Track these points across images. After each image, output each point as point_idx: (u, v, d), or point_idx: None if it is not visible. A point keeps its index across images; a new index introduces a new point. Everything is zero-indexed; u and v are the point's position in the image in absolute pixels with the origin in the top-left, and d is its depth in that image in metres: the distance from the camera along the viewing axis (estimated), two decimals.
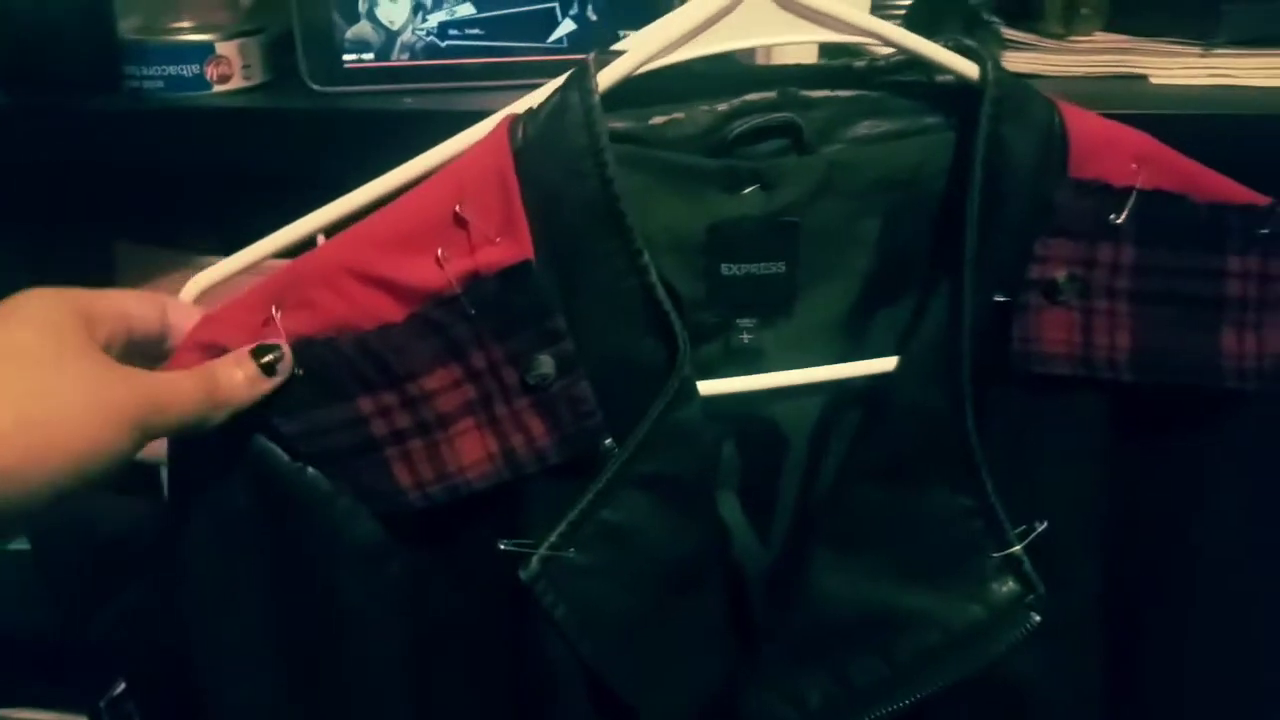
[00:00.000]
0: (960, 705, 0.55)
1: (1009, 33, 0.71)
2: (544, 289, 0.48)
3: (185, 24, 0.70)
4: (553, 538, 0.50)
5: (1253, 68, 0.68)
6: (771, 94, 0.53)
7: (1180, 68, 0.69)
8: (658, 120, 0.52)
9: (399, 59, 0.68)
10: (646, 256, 0.49)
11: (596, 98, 0.48)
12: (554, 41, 0.69)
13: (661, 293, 0.49)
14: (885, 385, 0.54)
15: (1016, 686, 0.56)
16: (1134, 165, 0.51)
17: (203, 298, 0.53)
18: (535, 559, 0.50)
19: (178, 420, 0.45)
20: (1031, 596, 0.53)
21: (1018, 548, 0.52)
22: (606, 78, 0.49)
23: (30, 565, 0.91)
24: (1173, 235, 0.52)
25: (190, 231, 0.83)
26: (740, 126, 0.52)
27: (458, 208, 0.47)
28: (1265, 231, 0.52)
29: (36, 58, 0.65)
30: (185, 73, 0.68)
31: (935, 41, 0.52)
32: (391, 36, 0.68)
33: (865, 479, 0.54)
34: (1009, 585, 0.53)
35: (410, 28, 0.68)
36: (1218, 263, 0.52)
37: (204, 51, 0.68)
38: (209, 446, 0.49)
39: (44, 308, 0.44)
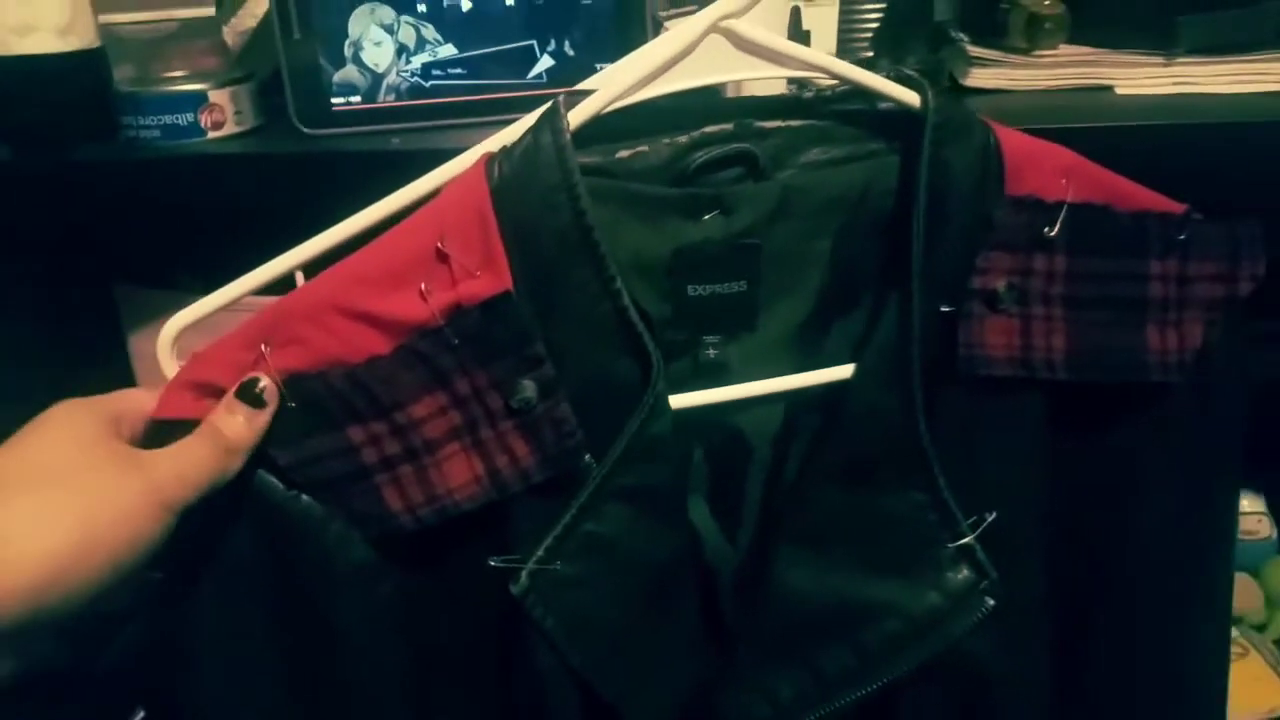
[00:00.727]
0: (924, 687, 0.61)
1: (974, 50, 0.76)
2: (524, 317, 0.52)
3: (177, 73, 0.75)
4: (540, 552, 0.54)
5: (1214, 74, 0.73)
6: (728, 126, 0.58)
7: (1144, 77, 0.74)
8: (624, 154, 0.57)
9: (385, 100, 0.74)
10: (619, 282, 0.53)
11: (567, 136, 0.52)
12: (534, 77, 0.74)
13: (634, 315, 0.54)
14: (842, 391, 0.59)
15: (975, 668, 0.61)
16: (1063, 180, 0.57)
17: (182, 336, 0.57)
18: (524, 573, 0.54)
19: (197, 484, 0.50)
20: (985, 582, 0.58)
21: (970, 538, 0.58)
22: (576, 117, 0.54)
23: None
24: (1100, 244, 0.58)
25: (189, 273, 0.87)
26: (701, 157, 0.58)
27: (439, 244, 0.52)
28: (1182, 237, 0.58)
29: (37, 112, 0.70)
30: (180, 121, 0.73)
31: (878, 73, 0.58)
32: (377, 79, 0.73)
33: (826, 480, 0.59)
34: (964, 573, 0.58)
35: (395, 70, 0.73)
36: (1141, 267, 0.59)
37: (198, 100, 0.73)
38: None
39: (71, 420, 0.50)
